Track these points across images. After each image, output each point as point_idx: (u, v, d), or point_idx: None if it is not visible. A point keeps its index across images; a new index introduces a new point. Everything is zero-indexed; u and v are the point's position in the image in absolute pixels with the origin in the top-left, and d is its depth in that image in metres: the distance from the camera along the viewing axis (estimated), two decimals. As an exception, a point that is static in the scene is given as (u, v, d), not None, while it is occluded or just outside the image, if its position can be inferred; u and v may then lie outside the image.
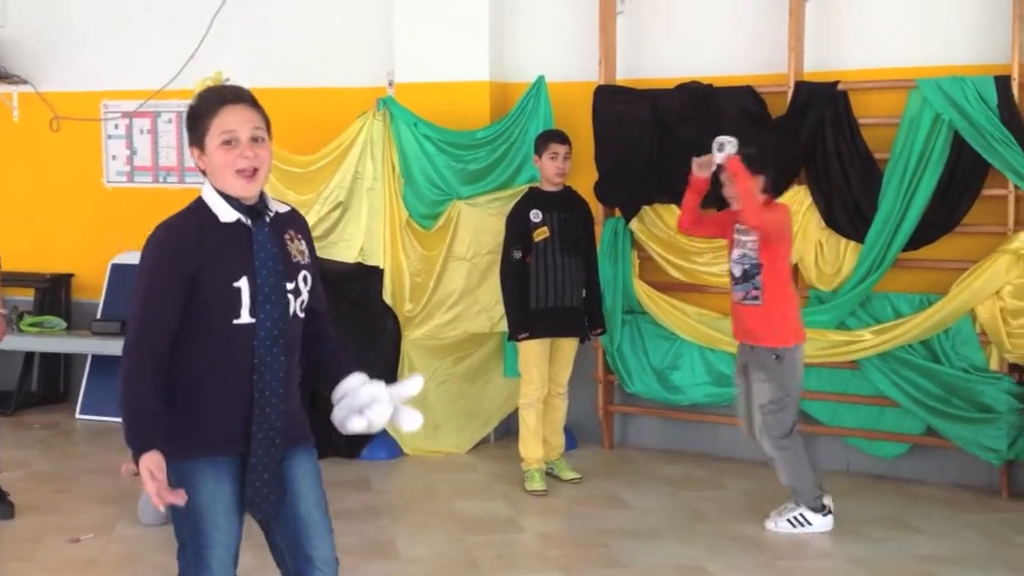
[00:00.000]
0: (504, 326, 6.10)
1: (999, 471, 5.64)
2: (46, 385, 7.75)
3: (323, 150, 6.52)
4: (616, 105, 6.25)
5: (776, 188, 5.89)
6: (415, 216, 6.46)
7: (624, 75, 6.42)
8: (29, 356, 7.62)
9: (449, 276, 6.46)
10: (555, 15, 6.67)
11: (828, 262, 5.89)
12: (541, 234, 5.68)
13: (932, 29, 5.79)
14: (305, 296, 2.89)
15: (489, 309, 6.44)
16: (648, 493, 5.71)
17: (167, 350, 2.76)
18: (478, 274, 6.45)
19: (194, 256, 2.75)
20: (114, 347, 6.97)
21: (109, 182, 7.82)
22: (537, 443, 5.77)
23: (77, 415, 7.35)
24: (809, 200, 5.87)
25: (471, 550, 4.87)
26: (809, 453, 5.15)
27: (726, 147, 4.94)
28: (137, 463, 2.68)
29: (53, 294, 7.74)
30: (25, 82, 7.78)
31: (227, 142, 2.78)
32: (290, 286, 2.84)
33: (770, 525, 5.10)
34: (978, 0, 5.68)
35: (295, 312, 2.86)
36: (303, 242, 2.93)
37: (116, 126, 7.78)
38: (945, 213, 5.60)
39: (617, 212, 6.39)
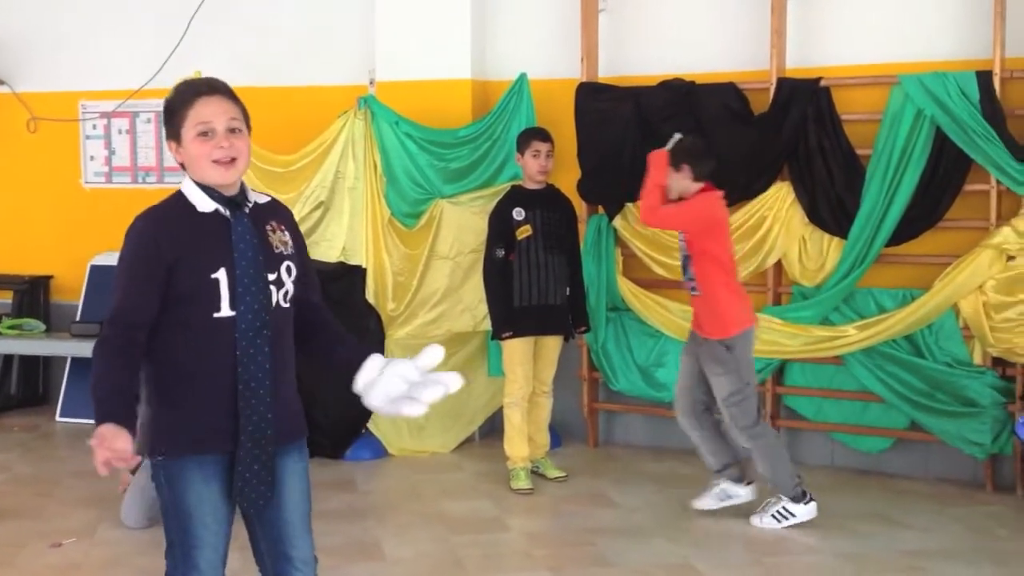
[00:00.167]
0: (488, 325, 6.08)
1: (983, 465, 5.66)
2: (25, 388, 7.68)
3: (304, 149, 6.49)
4: (599, 102, 6.24)
5: (759, 184, 5.95)
6: (397, 215, 6.43)
7: (606, 72, 6.41)
8: (8, 359, 7.57)
9: (432, 275, 6.44)
10: (537, 12, 6.65)
11: (811, 258, 5.90)
12: (524, 232, 5.66)
13: (914, 25, 5.81)
14: (290, 287, 2.86)
15: (473, 308, 6.42)
16: (634, 491, 5.71)
17: (143, 341, 2.73)
18: (461, 273, 6.43)
19: (171, 247, 2.73)
20: (94, 349, 6.93)
21: (87, 183, 7.76)
22: (522, 441, 5.75)
23: (57, 418, 7.30)
24: (792, 196, 5.88)
25: (457, 550, 4.85)
26: (785, 443, 5.18)
27: (669, 143, 5.07)
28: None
29: (32, 296, 7.67)
30: (2, 83, 7.71)
31: (203, 133, 2.76)
32: (272, 277, 2.81)
33: (755, 522, 5.11)
34: (959, -4, 5.72)
35: (278, 303, 2.82)
36: (287, 232, 2.90)
37: (94, 126, 7.72)
38: (928, 208, 5.62)
39: (600, 209, 6.38)
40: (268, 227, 2.85)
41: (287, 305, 2.85)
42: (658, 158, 5.06)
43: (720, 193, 5.11)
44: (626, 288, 6.32)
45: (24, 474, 6.08)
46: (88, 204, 7.68)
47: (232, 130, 2.77)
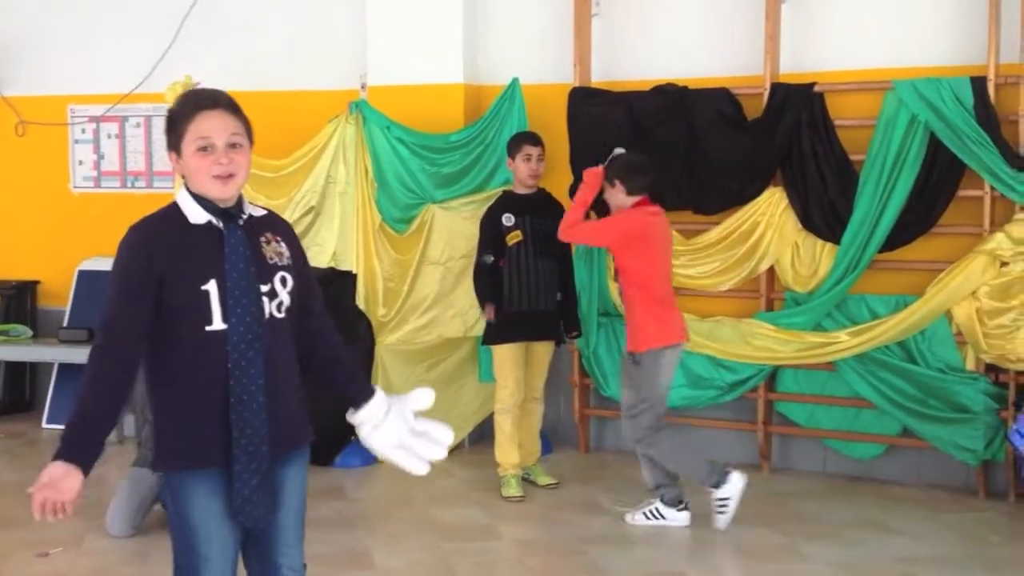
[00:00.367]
0: (478, 330, 6.04)
1: (975, 471, 5.65)
2: (11, 394, 7.62)
3: (295, 154, 6.46)
4: (591, 107, 6.21)
5: (752, 190, 5.93)
6: (388, 220, 6.40)
7: (599, 77, 6.39)
8: (-6, 365, 7.50)
9: (423, 280, 6.41)
10: (529, 17, 6.63)
11: (804, 264, 5.88)
12: (514, 238, 5.64)
13: (908, 30, 5.80)
14: (284, 298, 2.83)
15: (464, 313, 6.39)
16: (626, 498, 5.66)
17: (135, 356, 2.72)
18: (452, 278, 6.40)
19: (163, 258, 2.71)
20: (81, 355, 6.76)
21: (76, 187, 7.71)
22: (513, 448, 5.72)
23: (43, 424, 7.24)
24: (785, 202, 5.86)
25: (448, 558, 4.82)
26: (679, 439, 5.29)
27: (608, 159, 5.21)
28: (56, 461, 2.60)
29: (19, 301, 7.61)
30: (-11, 86, 7.67)
31: (203, 148, 2.75)
32: (264, 288, 2.79)
33: (628, 519, 5.18)
34: (954, 1, 5.69)
35: (271, 314, 2.80)
36: (282, 243, 2.88)
37: (83, 130, 7.67)
38: (921, 214, 5.61)
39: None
40: (263, 238, 2.84)
41: (281, 316, 2.83)
42: (591, 176, 5.20)
43: (654, 209, 5.16)
44: (618, 293, 6.28)
45: (10, 482, 6.02)
46: (76, 209, 7.63)
47: (233, 145, 2.76)
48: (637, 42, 6.38)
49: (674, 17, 6.30)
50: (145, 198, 7.26)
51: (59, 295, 7.56)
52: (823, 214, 5.78)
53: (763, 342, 5.91)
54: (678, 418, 6.30)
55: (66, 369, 7.23)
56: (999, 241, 5.43)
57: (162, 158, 7.42)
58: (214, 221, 2.77)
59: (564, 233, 5.26)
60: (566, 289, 5.84)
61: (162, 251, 2.72)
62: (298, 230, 6.19)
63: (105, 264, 7.44)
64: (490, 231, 5.69)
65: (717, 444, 6.28)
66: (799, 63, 5.95)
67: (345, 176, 6.38)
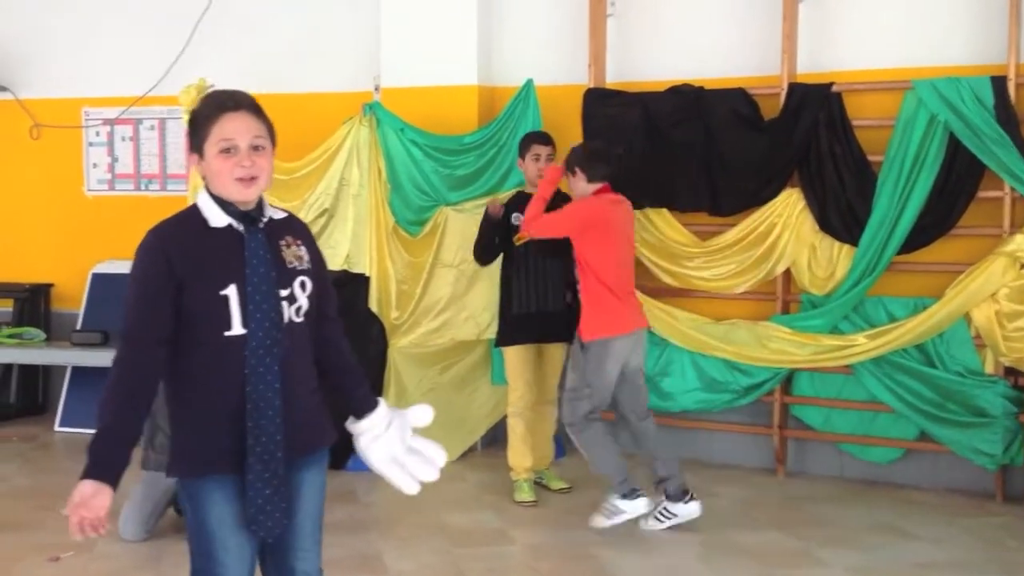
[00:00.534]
0: (491, 333, 6.01)
1: (994, 475, 5.59)
2: (24, 397, 7.62)
3: (308, 156, 6.45)
4: (606, 108, 6.18)
5: (768, 191, 5.87)
6: (402, 222, 6.38)
7: (614, 78, 6.35)
8: (7, 368, 7.51)
9: (436, 283, 6.38)
10: (543, 18, 6.59)
11: (821, 266, 5.83)
12: (522, 239, 5.60)
13: (927, 29, 5.74)
14: (303, 302, 2.81)
15: (476, 316, 6.36)
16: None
17: (156, 362, 2.69)
18: (465, 281, 6.37)
19: (181, 262, 2.69)
20: (94, 358, 6.87)
21: (90, 190, 7.71)
22: (526, 452, 5.68)
23: (56, 428, 7.22)
24: (802, 203, 5.81)
25: (459, 563, 4.78)
26: (614, 437, 5.26)
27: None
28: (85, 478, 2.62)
29: (32, 304, 7.61)
30: (4, 89, 7.67)
31: (226, 150, 2.73)
32: (284, 293, 2.77)
33: (591, 522, 5.15)
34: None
35: (291, 319, 2.78)
36: (302, 247, 2.87)
37: (97, 133, 7.67)
38: (940, 215, 5.55)
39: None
40: (283, 242, 2.82)
41: (300, 320, 2.81)
42: (552, 172, 5.26)
43: (615, 197, 5.17)
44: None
45: (22, 485, 6.01)
46: (90, 212, 7.64)
47: (255, 147, 2.75)
48: (652, 42, 6.34)
49: (690, 17, 6.25)
50: (159, 201, 7.27)
51: (73, 298, 7.56)
52: (841, 215, 5.73)
53: (779, 345, 5.86)
54: (693, 422, 6.28)
55: (79, 372, 7.23)
56: (1019, 243, 5.38)
57: (176, 161, 7.43)
58: (234, 224, 2.75)
59: (527, 226, 5.27)
60: (576, 290, 5.78)
61: (181, 255, 2.69)
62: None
63: (119, 267, 7.46)
64: (499, 226, 5.65)
65: (732, 448, 6.24)
66: (817, 63, 5.90)
67: (358, 178, 6.36)
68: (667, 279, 6.18)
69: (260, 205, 2.81)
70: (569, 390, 5.19)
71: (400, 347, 6.34)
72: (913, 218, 5.54)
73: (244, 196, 2.74)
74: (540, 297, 5.62)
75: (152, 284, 2.68)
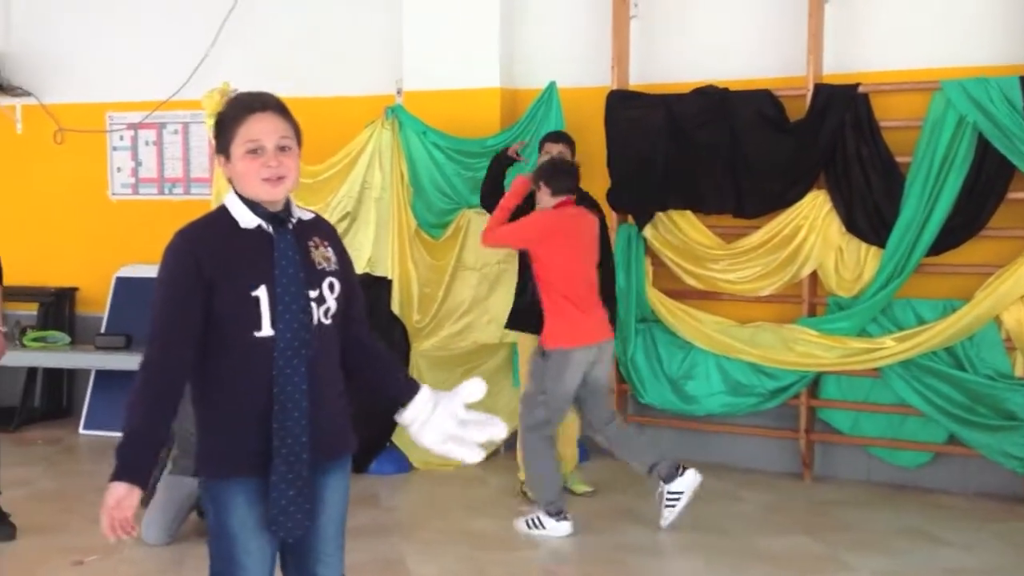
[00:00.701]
0: (514, 336, 5.96)
1: (1023, 479, 5.50)
2: (49, 400, 7.65)
3: (331, 160, 6.45)
4: (629, 110, 6.15)
5: (794, 193, 5.82)
6: (424, 225, 6.37)
7: (637, 79, 6.31)
8: (32, 371, 7.53)
9: (458, 286, 6.37)
10: (566, 19, 6.57)
11: (848, 268, 5.78)
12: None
13: (955, 29, 5.69)
14: (331, 304, 2.79)
15: (499, 319, 6.32)
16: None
17: (184, 364, 2.68)
18: (487, 284, 6.36)
19: (210, 264, 2.67)
20: (118, 362, 6.89)
21: (114, 194, 7.74)
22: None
23: (81, 431, 7.25)
24: (829, 205, 5.77)
25: (482, 567, 4.76)
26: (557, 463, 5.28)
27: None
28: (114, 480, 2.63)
29: (57, 308, 7.65)
30: (29, 94, 7.71)
31: (252, 151, 2.72)
32: (313, 294, 2.75)
33: (515, 520, 5.21)
34: (1000, -1, 5.59)
35: (319, 320, 2.76)
36: (329, 248, 2.85)
37: (121, 137, 7.70)
38: (969, 217, 5.49)
39: (630, 219, 6.28)
40: (311, 243, 2.80)
41: (328, 322, 2.79)
42: (519, 183, 5.29)
43: (575, 210, 5.17)
44: (656, 299, 6.21)
45: (47, 489, 6.02)
46: (114, 216, 7.66)
47: (282, 148, 2.74)
48: (676, 43, 6.30)
49: (714, 17, 6.21)
50: (183, 205, 7.28)
51: (97, 302, 7.59)
52: (868, 217, 5.67)
53: (806, 348, 5.81)
54: (718, 426, 6.23)
55: (103, 376, 7.25)
56: (1050, 244, 5.31)
57: (199, 165, 7.44)
58: (264, 225, 2.74)
59: (483, 237, 5.30)
60: (606, 294, 5.73)
61: (210, 257, 2.67)
62: (333, 235, 6.27)
63: (143, 271, 7.46)
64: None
65: (758, 452, 6.19)
66: (843, 63, 5.85)
67: (381, 181, 6.35)
68: (692, 281, 6.15)
69: (288, 206, 2.80)
70: (524, 396, 5.25)
71: (422, 350, 6.32)
72: (942, 220, 5.48)
73: (272, 196, 2.73)
74: None
75: (181, 286, 2.67)
